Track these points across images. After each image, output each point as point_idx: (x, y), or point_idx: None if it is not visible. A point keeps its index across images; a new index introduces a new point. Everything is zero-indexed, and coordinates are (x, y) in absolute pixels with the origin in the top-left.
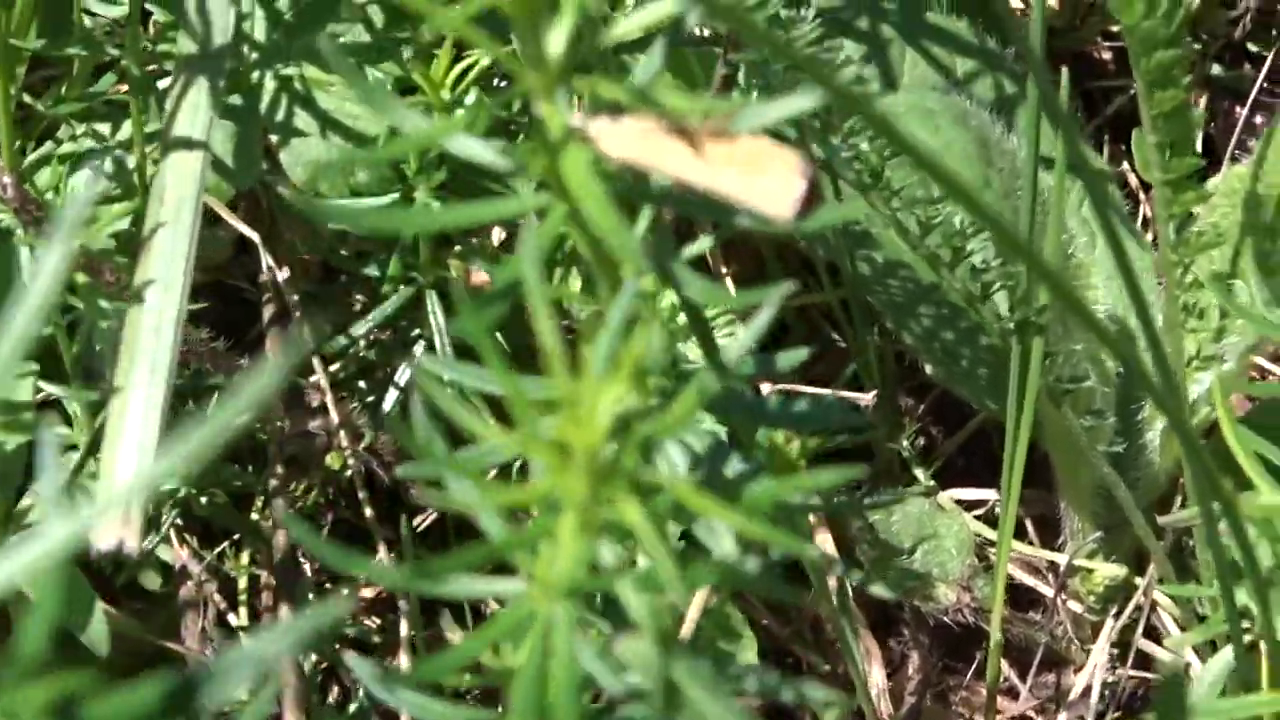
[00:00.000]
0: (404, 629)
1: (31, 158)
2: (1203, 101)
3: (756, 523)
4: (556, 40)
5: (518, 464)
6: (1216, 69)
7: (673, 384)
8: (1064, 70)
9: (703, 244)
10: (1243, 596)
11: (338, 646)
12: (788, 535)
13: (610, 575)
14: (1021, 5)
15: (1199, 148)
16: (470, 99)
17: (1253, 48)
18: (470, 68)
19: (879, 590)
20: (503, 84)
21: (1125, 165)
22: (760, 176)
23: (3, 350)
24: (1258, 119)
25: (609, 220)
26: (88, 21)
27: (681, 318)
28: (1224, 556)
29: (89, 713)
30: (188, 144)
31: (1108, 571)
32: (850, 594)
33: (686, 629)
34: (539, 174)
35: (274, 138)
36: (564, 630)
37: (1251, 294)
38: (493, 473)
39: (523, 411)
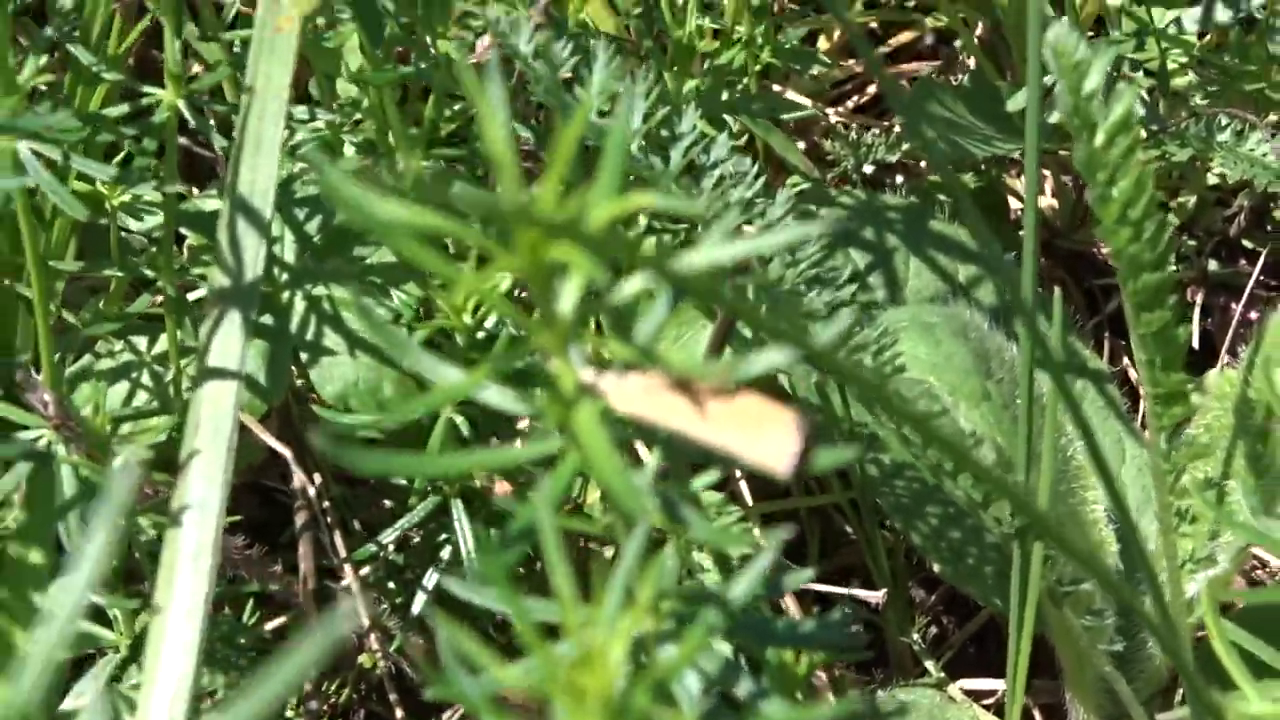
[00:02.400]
0: None
1: (71, 370)
2: (1199, 297)
3: None
4: (567, 302)
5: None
6: (1213, 265)
7: (685, 607)
8: (1056, 276)
9: (713, 474)
10: None
11: None
12: None
13: None
14: (1020, 205)
15: (1196, 342)
16: (490, 321)
17: (1248, 244)
18: (479, 268)
19: None
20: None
21: (1126, 361)
22: (758, 434)
23: (51, 633)
24: (1253, 314)
25: (616, 476)
26: (124, 236)
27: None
28: None
29: None
30: (222, 374)
31: None
32: None
33: None
34: (554, 423)
35: (304, 355)
36: None
37: (1242, 498)
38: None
39: (538, 650)
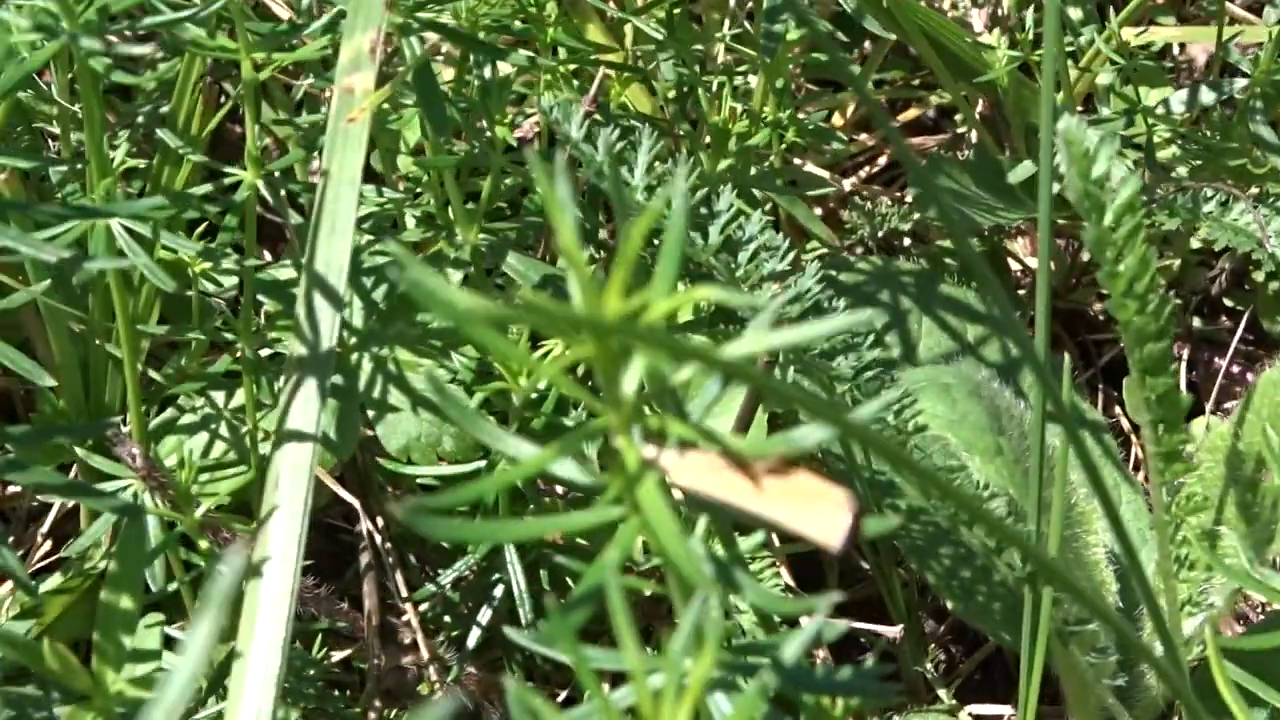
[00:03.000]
0: None
1: (155, 423)
2: (1185, 352)
3: None
4: (630, 384)
5: None
6: (1197, 322)
7: (734, 657)
8: (1053, 331)
9: (757, 538)
10: None
11: None
12: None
13: None
14: (1020, 269)
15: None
16: (542, 383)
17: (1229, 303)
18: (547, 354)
19: None
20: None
21: (1117, 410)
22: (811, 509)
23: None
24: (1235, 368)
25: (678, 547)
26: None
27: None
28: None
29: None
30: (300, 436)
31: None
32: None
33: None
34: (617, 494)
35: (371, 412)
36: None
37: (1236, 544)
38: None
39: (600, 702)
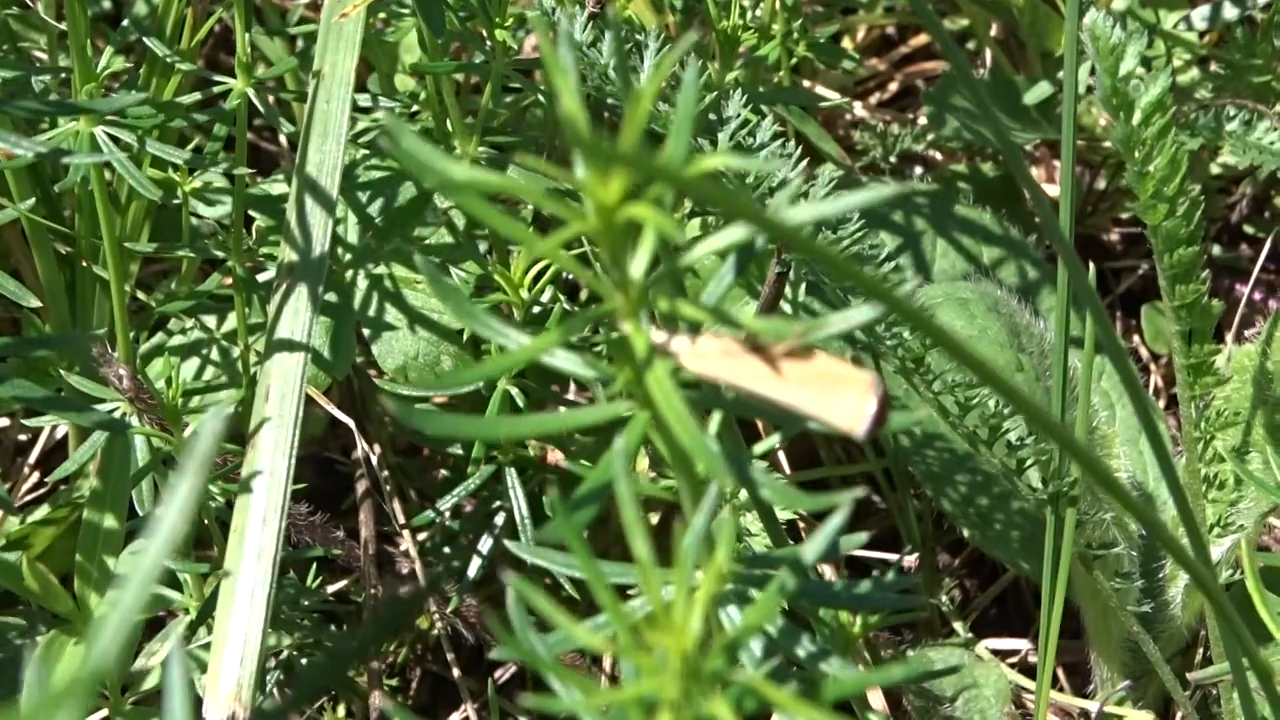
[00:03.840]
0: None
1: (145, 347)
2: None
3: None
4: (638, 265)
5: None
6: (1216, 249)
7: (747, 569)
8: (1090, 265)
9: (770, 441)
10: None
11: None
12: None
13: None
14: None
15: None
16: (546, 295)
17: (1249, 230)
18: (546, 268)
19: None
20: (572, 277)
21: (1136, 339)
22: (834, 394)
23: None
24: (1257, 295)
25: (693, 437)
26: (195, 222)
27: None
28: (1254, 711)
29: None
30: (290, 345)
31: (1137, 718)
32: None
33: None
34: (624, 386)
35: (366, 331)
36: None
37: (1268, 462)
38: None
39: (612, 608)
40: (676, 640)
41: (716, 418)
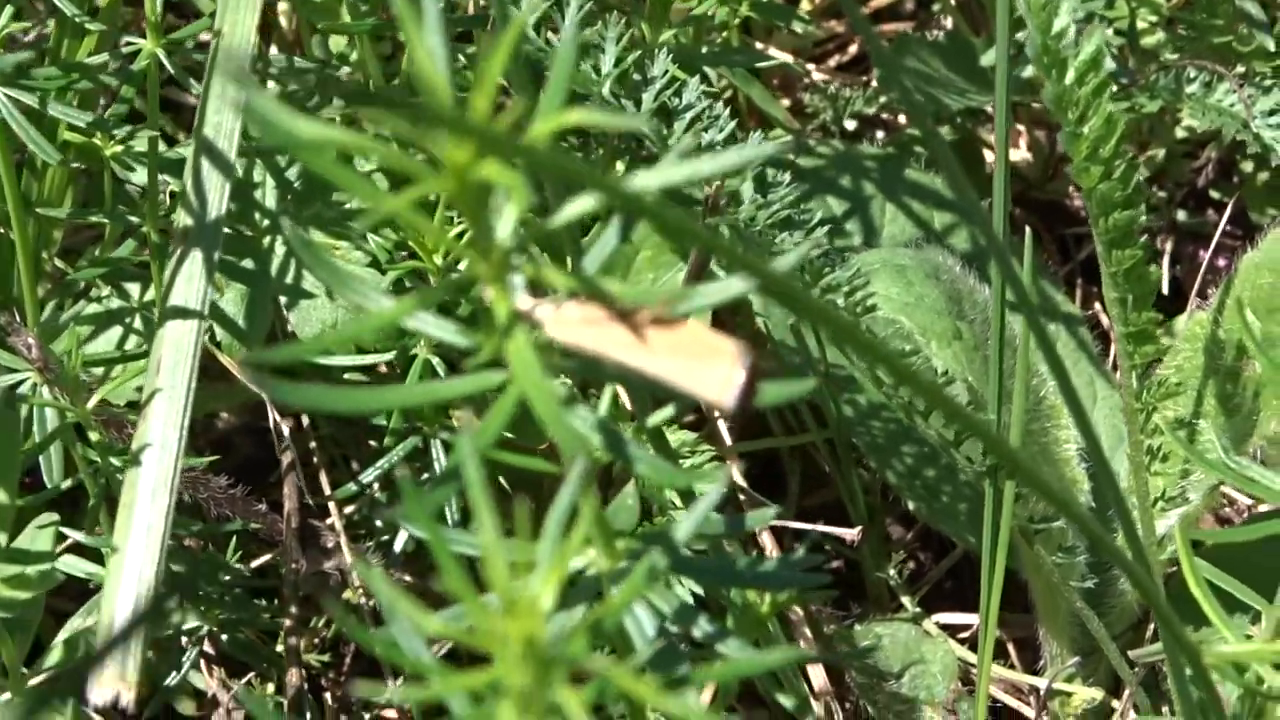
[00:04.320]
0: None
1: (65, 315)
2: (1169, 245)
3: (697, 715)
4: (504, 226)
5: None
6: (1181, 215)
7: (643, 547)
8: (1030, 225)
9: (665, 412)
10: None
11: None
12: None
13: None
14: (993, 158)
15: (1166, 289)
16: (464, 265)
17: (1214, 195)
18: (464, 233)
19: None
20: None
21: (1098, 306)
22: (701, 364)
23: None
24: (1220, 261)
25: (548, 405)
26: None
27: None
28: (1190, 697)
29: None
30: (184, 313)
31: (1086, 694)
32: None
33: None
34: (491, 354)
35: (284, 299)
36: None
37: (1214, 436)
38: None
39: (465, 595)
40: (520, 624)
41: (608, 392)
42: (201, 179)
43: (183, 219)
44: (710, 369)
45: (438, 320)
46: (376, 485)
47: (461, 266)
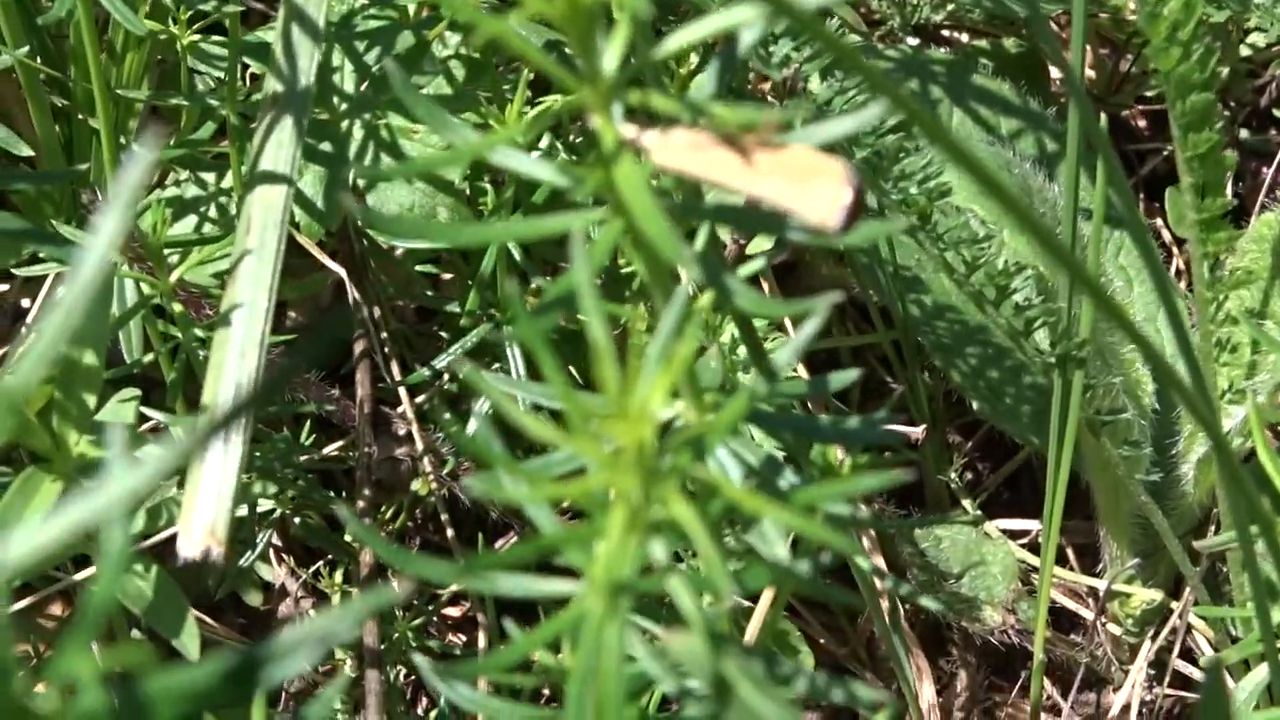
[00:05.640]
0: (482, 642)
1: (144, 201)
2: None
3: (809, 523)
4: (611, 55)
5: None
6: (1244, 133)
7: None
8: (1104, 119)
9: (756, 264)
10: (1277, 615)
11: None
12: (840, 537)
13: (662, 574)
14: (1059, 76)
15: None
16: (544, 143)
17: (1277, 113)
18: (545, 111)
19: (928, 603)
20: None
21: (1159, 221)
22: (807, 185)
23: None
24: None
25: (659, 228)
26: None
27: (741, 351)
28: (1260, 576)
29: (148, 686)
30: (273, 178)
31: (1145, 596)
32: (902, 615)
33: (745, 640)
34: (595, 188)
35: (361, 183)
36: (613, 628)
37: None
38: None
39: (576, 414)
40: (632, 430)
41: (703, 231)
42: (291, 45)
43: (271, 87)
44: (817, 190)
45: (530, 157)
46: (447, 376)
47: (542, 145)
